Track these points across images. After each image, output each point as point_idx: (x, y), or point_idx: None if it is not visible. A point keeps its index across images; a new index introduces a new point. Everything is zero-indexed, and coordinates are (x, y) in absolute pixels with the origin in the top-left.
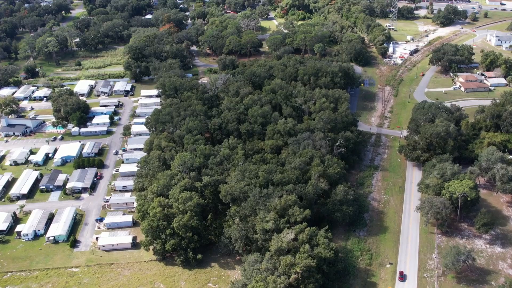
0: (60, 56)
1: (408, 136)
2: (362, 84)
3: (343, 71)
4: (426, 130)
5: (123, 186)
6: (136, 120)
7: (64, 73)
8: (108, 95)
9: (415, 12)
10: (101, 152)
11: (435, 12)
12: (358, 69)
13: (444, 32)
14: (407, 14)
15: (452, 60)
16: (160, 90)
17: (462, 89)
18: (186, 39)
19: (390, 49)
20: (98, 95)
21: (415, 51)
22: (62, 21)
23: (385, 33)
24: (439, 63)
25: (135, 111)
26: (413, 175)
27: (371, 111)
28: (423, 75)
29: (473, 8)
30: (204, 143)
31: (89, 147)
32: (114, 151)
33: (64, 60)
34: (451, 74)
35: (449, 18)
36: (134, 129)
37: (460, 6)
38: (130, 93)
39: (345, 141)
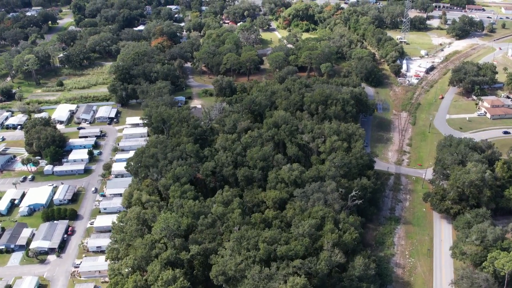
0: (41, 75)
1: (434, 180)
2: (375, 110)
3: (355, 97)
4: (457, 177)
5: (97, 247)
6: (118, 156)
7: (44, 95)
8: (90, 123)
9: (428, 22)
10: (76, 197)
11: (449, 22)
12: (369, 90)
13: (461, 45)
14: (419, 25)
15: (474, 81)
16: (145, 122)
17: (488, 115)
18: (179, 56)
19: (404, 66)
20: (79, 123)
21: (431, 68)
22: (49, 32)
23: (398, 49)
24: (460, 84)
25: (118, 144)
26: (442, 231)
27: (387, 143)
28: (442, 97)
29: (489, 17)
30: (193, 195)
31: (62, 192)
32: (92, 190)
33: (46, 79)
34: (474, 97)
35: (465, 29)
36: (116, 168)
37: (475, 16)
38: (115, 120)
39: (361, 190)
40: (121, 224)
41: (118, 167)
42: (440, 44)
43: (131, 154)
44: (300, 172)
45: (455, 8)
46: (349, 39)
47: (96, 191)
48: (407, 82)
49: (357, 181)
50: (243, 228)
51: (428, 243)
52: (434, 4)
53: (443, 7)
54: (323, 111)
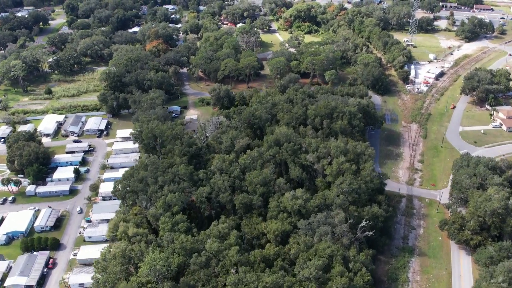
0: (30, 81)
1: (450, 205)
2: (383, 122)
3: (362, 109)
4: (477, 204)
5: (79, 284)
6: (107, 174)
7: (31, 104)
8: (78, 135)
9: (435, 23)
10: (59, 223)
11: (457, 23)
12: (376, 99)
13: (470, 48)
14: (426, 27)
15: (488, 89)
16: (135, 138)
17: (504, 127)
18: (175, 62)
19: (412, 72)
20: (66, 136)
21: (441, 74)
22: (40, 33)
23: (406, 53)
24: (473, 93)
25: (107, 160)
26: (461, 264)
27: (396, 160)
28: (454, 107)
29: (503, 18)
30: (186, 226)
31: (44, 217)
32: (78, 210)
33: (34, 85)
34: (488, 107)
35: (475, 31)
36: (104, 189)
37: (484, 16)
38: (105, 132)
39: (372, 219)
40: (104, 262)
41: (106, 188)
42: (449, 48)
43: (121, 172)
44: (304, 201)
45: (462, 8)
46: (354, 43)
47: (81, 211)
48: (416, 89)
49: (368, 209)
50: (241, 270)
51: (446, 279)
52: (441, 4)
53: (450, 7)
54: (328, 126)
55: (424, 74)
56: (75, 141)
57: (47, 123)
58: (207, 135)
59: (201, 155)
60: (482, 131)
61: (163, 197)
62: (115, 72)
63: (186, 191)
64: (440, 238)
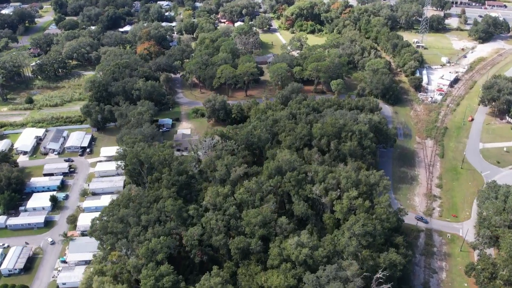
0: (10, 88)
1: (476, 245)
2: (396, 140)
3: (374, 126)
4: (511, 249)
5: None
6: (88, 202)
7: (10, 115)
8: (59, 153)
9: (446, 21)
10: (31, 264)
11: (469, 21)
12: (387, 109)
13: (485, 50)
14: (437, 26)
15: (510, 100)
16: (118, 163)
17: None
18: (167, 68)
19: (425, 78)
20: (46, 153)
21: (455, 80)
22: (25, 33)
23: (417, 57)
24: (493, 104)
25: (88, 184)
26: None
27: (412, 184)
28: (472, 119)
29: None
30: (172, 280)
31: (13, 257)
32: (50, 240)
33: (15, 93)
34: (509, 119)
35: (489, 31)
36: (83, 221)
37: (498, 14)
38: (88, 150)
39: (389, 267)
40: None
41: (86, 220)
42: (462, 49)
43: (103, 200)
44: (311, 249)
45: (474, 4)
46: (361, 45)
47: (52, 242)
48: (430, 99)
49: (384, 256)
50: None
51: None
52: (451, 0)
53: (461, 3)
54: (336, 148)
55: (437, 80)
56: (66, 160)
57: (25, 139)
58: (201, 158)
59: (193, 184)
60: (505, 148)
61: (146, 243)
62: (101, 81)
63: (174, 232)
64: (466, 284)
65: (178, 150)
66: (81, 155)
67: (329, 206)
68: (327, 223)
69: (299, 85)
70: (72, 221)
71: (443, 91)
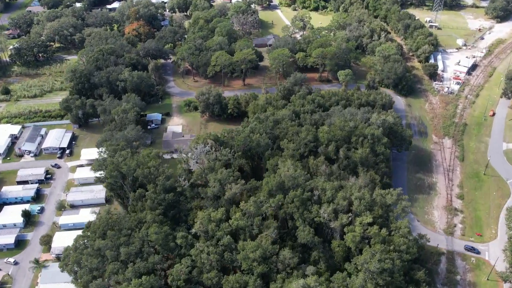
0: None
1: (508, 277)
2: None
3: (389, 128)
4: None
5: None
6: (65, 218)
7: None
8: (35, 155)
9: None
10: None
11: None
12: (399, 101)
13: (504, 31)
14: (450, 2)
15: None
16: (98, 175)
17: None
18: (156, 53)
19: (440, 65)
20: (21, 155)
21: (473, 67)
22: (5, 10)
23: (432, 40)
24: None
25: (67, 194)
26: None
27: (429, 194)
28: (493, 114)
29: None
30: None
31: None
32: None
33: None
34: None
35: (507, 9)
36: (58, 242)
37: None
38: (67, 152)
39: None
40: None
41: (62, 240)
42: (479, 30)
43: (83, 215)
44: None
45: None
46: (370, 27)
47: (15, 263)
48: (446, 89)
49: None
50: None
51: None
52: None
53: None
54: (346, 156)
55: (453, 67)
56: (53, 166)
57: None
58: (192, 169)
59: (182, 202)
60: None
61: (126, 285)
62: (83, 71)
63: (159, 268)
64: None
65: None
66: (60, 157)
67: (339, 231)
68: (336, 251)
69: (302, 75)
70: (46, 241)
71: (460, 79)
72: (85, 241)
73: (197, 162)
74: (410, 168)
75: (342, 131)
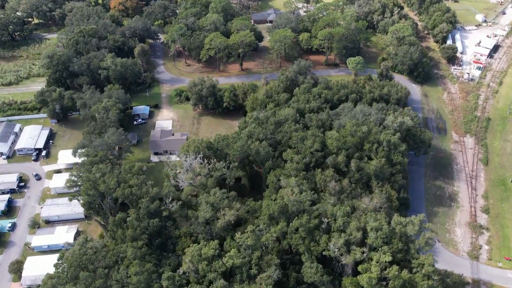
0: None
1: None
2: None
3: (406, 130)
4: None
5: None
6: (38, 238)
7: None
8: (8, 157)
9: None
10: None
11: None
12: (414, 90)
13: None
14: None
15: None
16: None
17: None
18: (144, 33)
19: (459, 46)
20: None
21: (495, 48)
22: None
23: (450, 18)
24: None
25: (42, 207)
26: None
27: (450, 207)
28: None
29: None
30: None
31: None
32: None
33: None
34: None
35: None
36: (30, 269)
37: None
38: (44, 154)
39: None
40: None
41: (34, 267)
42: (501, 3)
43: (58, 234)
44: None
45: None
46: (382, 1)
47: None
48: (466, 75)
49: None
50: None
51: None
52: None
53: None
54: (358, 167)
55: (473, 48)
56: (36, 177)
57: None
58: (181, 186)
59: (169, 228)
60: None
61: None
62: (60, 57)
63: None
64: None
65: (156, 154)
66: (36, 159)
67: (351, 266)
68: None
69: (307, 63)
70: (16, 269)
71: (481, 63)
72: (55, 280)
73: (184, 182)
74: (428, 174)
75: (353, 137)
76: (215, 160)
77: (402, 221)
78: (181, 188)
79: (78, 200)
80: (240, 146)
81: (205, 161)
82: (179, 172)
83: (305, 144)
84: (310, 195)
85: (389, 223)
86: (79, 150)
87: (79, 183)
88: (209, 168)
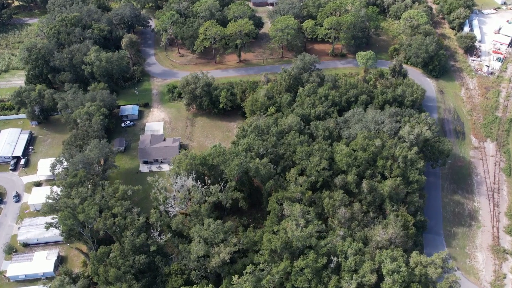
0: None
1: None
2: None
3: (424, 142)
4: None
5: None
6: (14, 266)
7: None
8: None
9: None
10: None
11: None
12: (428, 85)
13: None
14: None
15: None
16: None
17: None
18: (133, 20)
19: (477, 34)
20: None
21: None
22: None
23: (467, 1)
24: None
25: (19, 227)
26: None
27: (471, 227)
28: None
29: None
30: None
31: None
32: None
33: None
34: None
35: None
36: None
37: None
38: (22, 162)
39: None
40: None
41: None
42: None
43: (38, 260)
44: None
45: None
46: None
47: None
48: (485, 68)
49: None
50: None
51: None
52: None
53: None
54: (370, 188)
55: (492, 36)
56: (15, 198)
57: None
58: (170, 213)
59: (157, 265)
60: None
61: None
62: (40, 50)
63: None
64: None
65: (146, 162)
66: (14, 169)
67: None
68: None
69: (312, 58)
70: None
71: (501, 54)
72: None
73: (174, 208)
74: (445, 187)
75: (365, 152)
76: (209, 181)
77: (423, 261)
78: (171, 214)
79: (57, 228)
80: (238, 164)
81: (198, 182)
82: (169, 198)
83: (311, 162)
84: (317, 226)
85: (407, 263)
86: (56, 167)
87: (57, 207)
88: (202, 192)
